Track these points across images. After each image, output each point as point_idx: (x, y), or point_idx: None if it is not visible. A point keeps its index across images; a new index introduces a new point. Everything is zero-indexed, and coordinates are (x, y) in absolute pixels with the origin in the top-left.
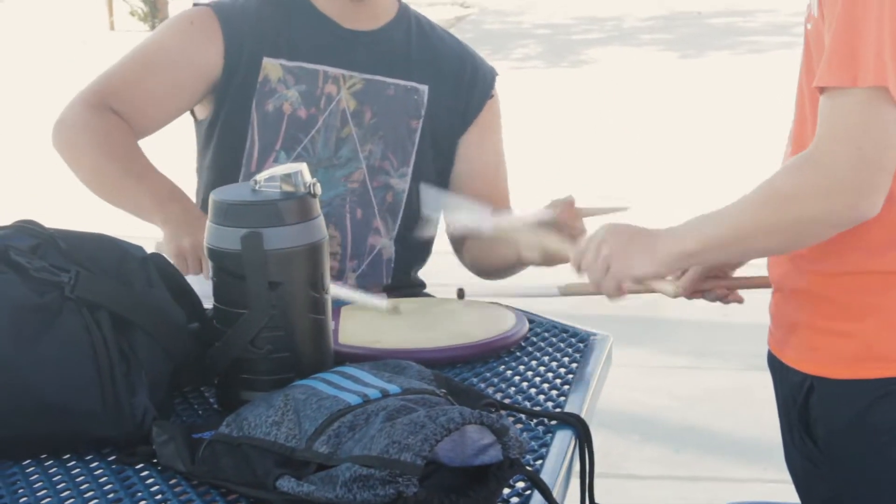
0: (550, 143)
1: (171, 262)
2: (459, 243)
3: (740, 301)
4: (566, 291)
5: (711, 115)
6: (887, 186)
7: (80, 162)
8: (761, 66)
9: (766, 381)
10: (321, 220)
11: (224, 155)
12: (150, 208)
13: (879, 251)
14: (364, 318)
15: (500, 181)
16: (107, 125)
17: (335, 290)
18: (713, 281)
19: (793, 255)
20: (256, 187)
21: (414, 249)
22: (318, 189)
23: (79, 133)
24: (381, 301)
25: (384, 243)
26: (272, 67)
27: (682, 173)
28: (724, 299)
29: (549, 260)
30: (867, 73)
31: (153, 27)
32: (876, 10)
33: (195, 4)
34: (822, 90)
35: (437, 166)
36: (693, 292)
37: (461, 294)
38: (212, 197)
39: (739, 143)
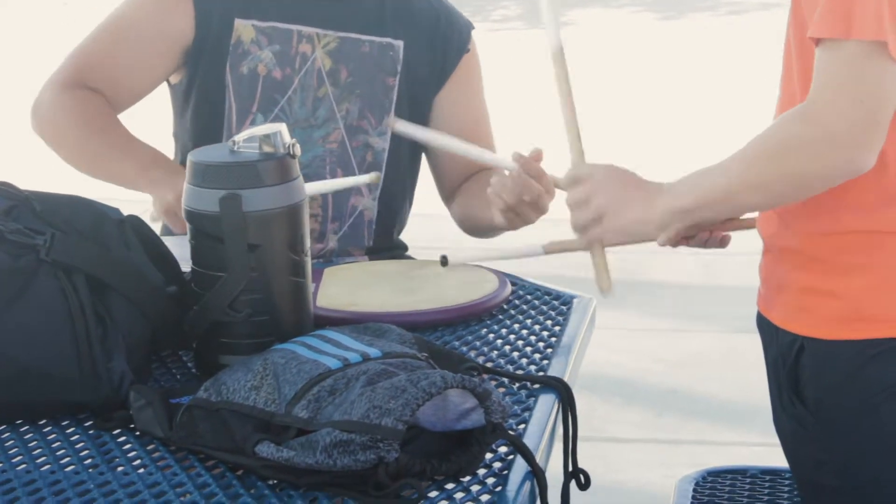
0: (529, 105)
1: (164, 221)
2: (450, 195)
3: (726, 243)
4: (550, 249)
5: (692, 77)
6: (882, 141)
7: (60, 141)
8: (741, 27)
9: (749, 343)
10: (301, 182)
11: (201, 119)
12: (135, 175)
13: (870, 210)
14: (345, 281)
15: (482, 137)
16: (83, 102)
17: (321, 185)
18: (696, 227)
19: (783, 214)
20: (235, 148)
21: (395, 210)
22: (298, 150)
23: (55, 113)
24: (365, 177)
25: (366, 203)
26: (244, 29)
27: (662, 134)
28: (708, 243)
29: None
30: (865, 26)
31: None
32: None
33: None
34: (817, 42)
35: (414, 123)
36: (678, 240)
37: (444, 261)
38: (190, 158)
39: (720, 105)
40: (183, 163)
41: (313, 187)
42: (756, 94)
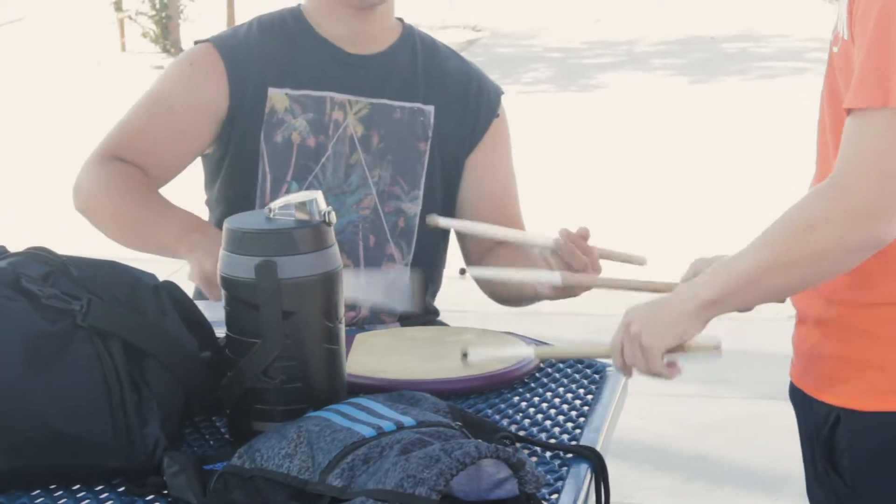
0: (560, 167)
1: (201, 288)
2: (477, 261)
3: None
4: (567, 281)
5: (722, 141)
6: None
7: (101, 215)
8: (773, 91)
9: (778, 409)
10: (336, 249)
11: (235, 188)
12: (175, 241)
13: None
14: (374, 348)
15: (509, 202)
16: (121, 174)
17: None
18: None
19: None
20: (271, 215)
21: (427, 275)
22: (333, 217)
23: (95, 187)
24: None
25: (398, 269)
26: (278, 97)
27: (692, 199)
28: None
29: (560, 293)
30: None
31: (164, 48)
32: None
33: (196, 42)
34: (849, 112)
35: (445, 188)
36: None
37: (463, 272)
38: (226, 225)
39: (750, 170)
40: None
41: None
42: (787, 159)
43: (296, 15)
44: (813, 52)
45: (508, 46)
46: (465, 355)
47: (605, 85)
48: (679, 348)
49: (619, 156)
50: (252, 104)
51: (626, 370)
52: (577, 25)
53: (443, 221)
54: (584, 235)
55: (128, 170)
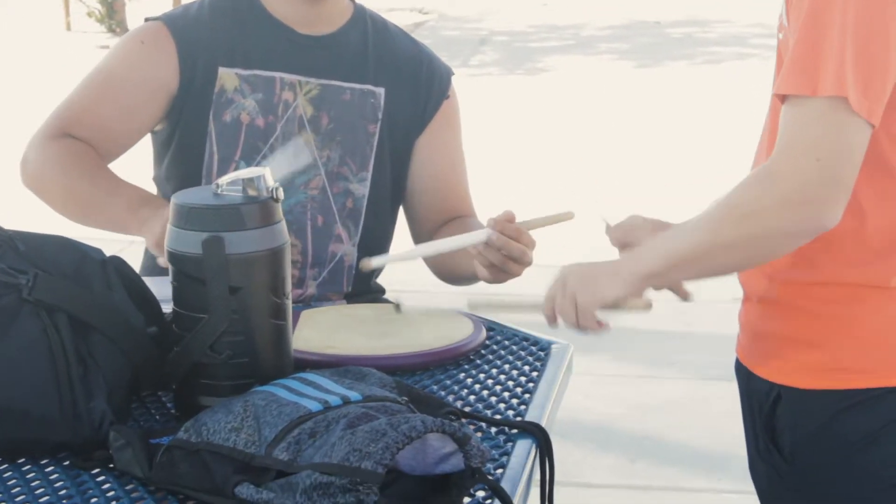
0: (506, 150)
1: (156, 254)
2: (425, 241)
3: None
4: (473, 304)
5: (667, 125)
6: (846, 198)
7: (49, 192)
8: (717, 76)
9: (722, 391)
10: (283, 225)
11: (182, 166)
12: (124, 216)
13: (851, 263)
14: (321, 325)
15: (458, 183)
16: (69, 151)
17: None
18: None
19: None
20: (218, 191)
21: (374, 255)
22: (281, 193)
23: (43, 164)
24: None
25: (346, 250)
26: (228, 77)
27: (636, 181)
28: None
29: (498, 275)
30: (827, 82)
31: (110, 28)
32: (839, 18)
33: (146, 19)
34: (783, 99)
35: (394, 170)
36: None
37: (398, 308)
38: (173, 200)
39: (694, 154)
40: None
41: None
42: (731, 144)
43: None
44: (757, 38)
45: (455, 29)
46: (398, 306)
47: (551, 68)
48: (612, 307)
49: (565, 139)
50: (202, 83)
51: (552, 320)
52: (524, 9)
53: (375, 262)
54: (509, 219)
55: (76, 146)
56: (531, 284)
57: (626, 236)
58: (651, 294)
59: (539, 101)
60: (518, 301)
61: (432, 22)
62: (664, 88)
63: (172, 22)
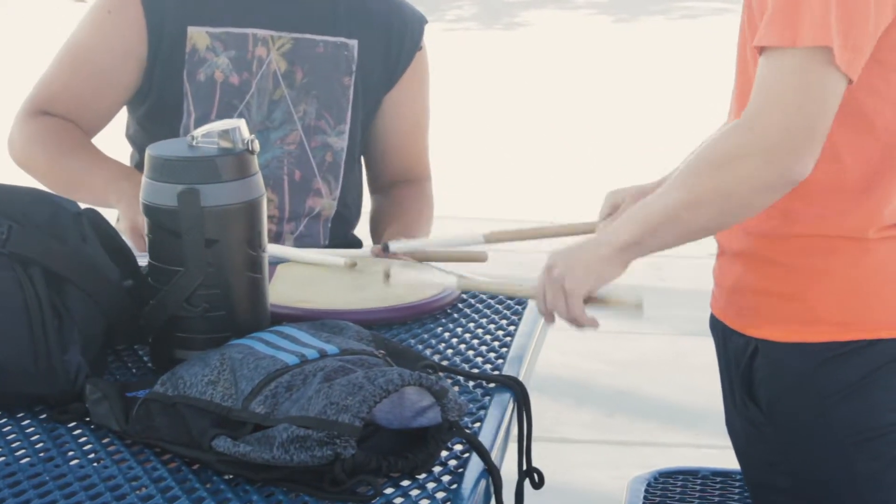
0: (482, 106)
1: (127, 239)
2: (379, 189)
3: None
4: (490, 239)
5: (643, 81)
6: (818, 149)
7: (34, 170)
8: (694, 31)
9: (699, 346)
10: (259, 178)
11: (158, 126)
12: (104, 189)
13: (827, 215)
14: (296, 278)
15: (418, 142)
16: (49, 127)
17: (285, 250)
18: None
19: None
20: (194, 143)
21: (351, 208)
22: (257, 146)
23: (25, 143)
24: (338, 259)
25: (325, 204)
26: (199, 36)
27: (612, 137)
28: None
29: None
30: (808, 32)
31: None
32: None
33: None
34: (761, 50)
35: (367, 121)
36: None
37: (386, 248)
38: (148, 152)
39: (670, 109)
40: (138, 165)
41: (292, 253)
42: (708, 98)
43: None
44: None
45: None
46: (386, 275)
47: (528, 23)
48: (601, 302)
49: (543, 94)
50: (172, 44)
51: (548, 316)
52: None
53: (395, 245)
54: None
55: (55, 124)
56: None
57: (613, 219)
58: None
59: (516, 57)
60: (508, 285)
61: None
62: (641, 44)
63: None
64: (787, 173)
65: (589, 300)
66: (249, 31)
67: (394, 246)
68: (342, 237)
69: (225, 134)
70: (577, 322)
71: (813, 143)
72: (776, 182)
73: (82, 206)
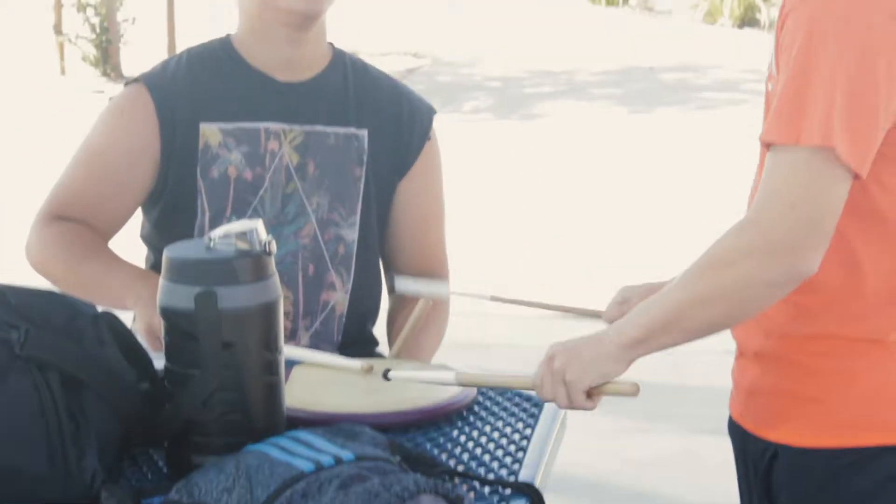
0: (499, 197)
1: (142, 340)
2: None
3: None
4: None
5: (660, 172)
6: (825, 246)
7: (52, 276)
8: (710, 122)
9: (716, 444)
10: (276, 279)
11: (173, 224)
12: (120, 291)
13: (849, 317)
14: (312, 381)
15: (433, 236)
16: (64, 235)
17: (300, 352)
18: None
19: (759, 317)
20: (211, 245)
21: (367, 302)
22: (274, 247)
23: (42, 251)
24: (353, 362)
25: (338, 298)
26: (211, 132)
27: (629, 229)
28: None
29: None
30: (812, 132)
31: (104, 72)
32: (829, 67)
33: (126, 83)
34: (768, 146)
35: (380, 212)
36: None
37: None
38: (166, 253)
39: (686, 200)
40: (153, 266)
41: (305, 355)
42: (725, 191)
43: (225, 45)
44: (749, 84)
45: (449, 74)
46: (386, 373)
47: (545, 114)
48: (599, 390)
49: (558, 186)
50: (185, 141)
51: (543, 398)
52: (518, 54)
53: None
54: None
55: (71, 229)
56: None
57: (621, 313)
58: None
59: (533, 148)
60: (507, 379)
61: (426, 67)
62: (657, 134)
63: (151, 82)
64: (791, 270)
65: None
66: (261, 125)
67: (393, 375)
68: (356, 333)
69: (243, 236)
70: (577, 408)
71: (817, 239)
72: (780, 279)
73: (99, 308)
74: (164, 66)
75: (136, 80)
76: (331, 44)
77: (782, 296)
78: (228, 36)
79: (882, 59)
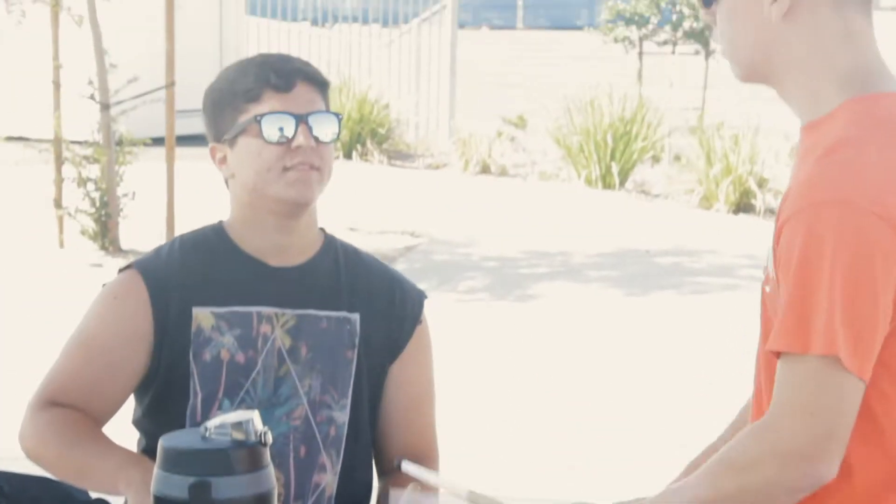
0: (493, 379)
1: None
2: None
3: None
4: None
5: (656, 357)
6: (842, 453)
7: (45, 462)
8: (705, 307)
9: None
10: (271, 469)
11: (166, 407)
12: (113, 476)
13: None
14: None
15: (422, 413)
16: (59, 420)
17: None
18: None
19: None
20: (207, 434)
21: (357, 484)
22: (270, 438)
23: (36, 436)
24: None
25: (328, 480)
26: (203, 317)
27: (623, 412)
28: None
29: None
30: (818, 341)
31: (103, 246)
32: (827, 275)
33: (119, 270)
34: (778, 354)
35: (371, 394)
36: None
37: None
38: (161, 442)
39: (683, 386)
40: (145, 450)
41: None
42: (718, 376)
43: (218, 231)
44: (744, 269)
45: (446, 253)
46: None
47: (540, 295)
48: None
49: (552, 370)
50: (178, 326)
51: None
52: (515, 234)
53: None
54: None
55: (64, 415)
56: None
57: None
58: None
59: (527, 330)
60: None
61: (423, 245)
62: (652, 318)
63: (145, 269)
64: (812, 477)
65: None
66: (253, 309)
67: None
68: None
69: (238, 426)
70: None
71: (832, 446)
72: (801, 485)
73: (93, 494)
74: (157, 252)
75: (129, 266)
76: (321, 229)
77: (800, 499)
78: (221, 222)
79: (878, 262)
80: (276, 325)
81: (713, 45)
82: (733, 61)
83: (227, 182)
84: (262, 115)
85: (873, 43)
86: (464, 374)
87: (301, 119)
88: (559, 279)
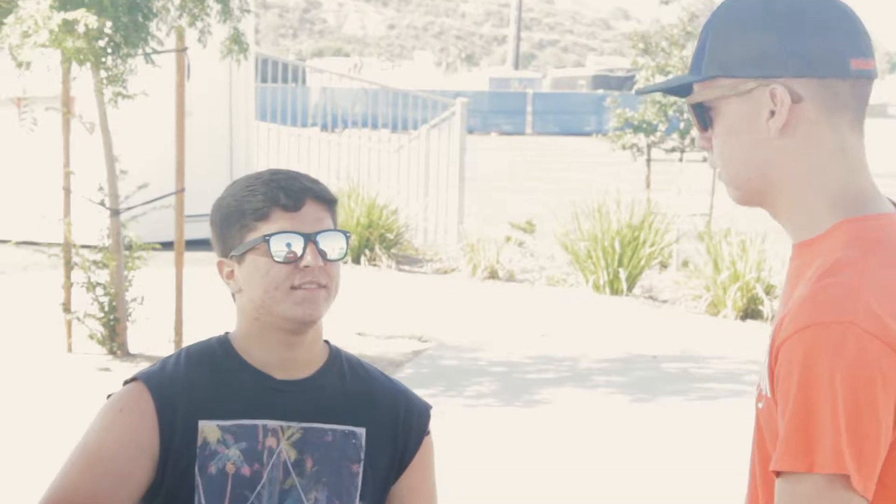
0: (499, 483)
1: None
2: None
3: None
4: None
5: (659, 465)
6: None
7: None
8: (712, 413)
9: None
10: None
11: None
12: None
13: None
14: None
15: None
16: None
17: None
18: None
19: None
20: None
21: None
22: None
23: None
24: None
25: None
26: (209, 430)
27: None
28: None
29: None
30: (826, 460)
31: (111, 350)
32: (829, 395)
33: (125, 382)
34: (778, 473)
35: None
36: None
37: None
38: None
39: (686, 492)
40: None
41: None
42: (725, 483)
43: (224, 344)
44: (752, 375)
45: (454, 358)
46: None
47: (548, 401)
48: None
49: (559, 476)
50: (183, 439)
51: None
52: (522, 339)
53: None
54: None
55: None
56: None
57: None
58: None
59: (535, 435)
60: None
61: (431, 350)
62: (659, 424)
63: (150, 381)
64: None
65: None
66: (259, 422)
67: None
68: None
69: None
70: None
71: None
72: None
73: None
74: (163, 364)
75: (134, 378)
76: (326, 341)
77: None
78: (227, 334)
79: (878, 384)
80: (281, 438)
81: None
82: (730, 183)
83: (234, 296)
84: (270, 235)
85: (864, 160)
86: (471, 480)
87: (310, 238)
88: (567, 384)
